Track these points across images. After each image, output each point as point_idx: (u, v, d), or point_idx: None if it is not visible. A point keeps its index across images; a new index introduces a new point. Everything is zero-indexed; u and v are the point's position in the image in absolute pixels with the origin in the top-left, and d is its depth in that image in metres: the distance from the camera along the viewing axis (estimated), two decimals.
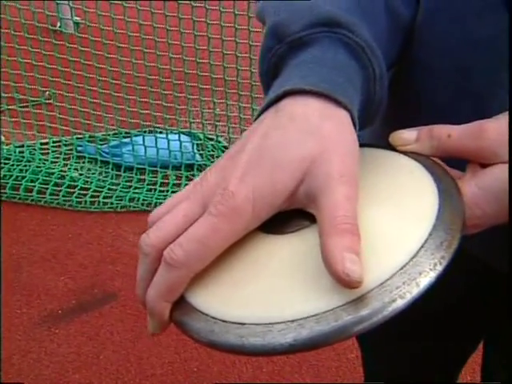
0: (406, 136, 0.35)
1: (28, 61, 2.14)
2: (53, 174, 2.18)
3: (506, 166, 0.32)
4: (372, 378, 0.85)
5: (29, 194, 2.08)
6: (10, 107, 2.29)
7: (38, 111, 2.26)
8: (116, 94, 2.18)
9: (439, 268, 0.28)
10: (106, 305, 1.70)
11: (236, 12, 1.96)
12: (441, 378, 0.77)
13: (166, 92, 2.16)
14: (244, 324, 0.29)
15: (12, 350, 1.54)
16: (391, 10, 0.40)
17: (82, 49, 2.11)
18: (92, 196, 2.11)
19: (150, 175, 2.25)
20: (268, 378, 1.51)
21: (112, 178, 2.22)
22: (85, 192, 2.12)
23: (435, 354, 0.68)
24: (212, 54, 2.04)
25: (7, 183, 2.10)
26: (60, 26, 2.52)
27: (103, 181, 2.20)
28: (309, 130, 0.30)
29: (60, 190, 2.10)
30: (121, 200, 2.10)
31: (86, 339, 1.59)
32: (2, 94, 2.26)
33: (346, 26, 0.35)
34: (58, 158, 2.29)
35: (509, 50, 0.37)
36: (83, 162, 2.30)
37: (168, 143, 2.21)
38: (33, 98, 2.25)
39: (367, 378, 0.86)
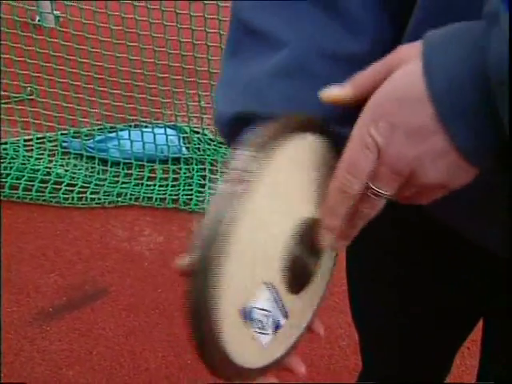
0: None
1: (7, 56, 2.11)
2: (38, 170, 2.16)
3: (409, 67, 0.33)
4: (369, 364, 0.87)
5: (14, 192, 2.06)
6: None
7: (21, 107, 2.23)
8: (100, 89, 2.16)
9: None
10: (97, 301, 1.69)
11: (220, 4, 1.95)
12: (437, 360, 0.78)
13: (150, 86, 2.14)
14: None
15: (4, 349, 1.53)
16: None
17: (64, 43, 2.09)
18: (79, 192, 2.09)
19: (137, 169, 2.24)
20: None
21: (99, 174, 2.20)
22: (71, 188, 2.11)
23: (432, 335, 0.69)
24: (196, 47, 2.03)
25: None
26: (39, 20, 2.48)
27: (90, 176, 2.18)
28: None
29: (46, 187, 2.08)
30: (108, 195, 2.09)
31: (78, 336, 1.58)
32: None
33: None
34: (42, 154, 2.27)
35: (508, 53, 0.39)
36: (69, 158, 2.27)
37: (154, 137, 2.20)
38: (14, 94, 2.22)
39: (365, 364, 0.87)
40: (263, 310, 0.39)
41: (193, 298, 0.34)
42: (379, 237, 0.59)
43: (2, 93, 2.20)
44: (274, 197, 0.37)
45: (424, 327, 0.68)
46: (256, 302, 0.38)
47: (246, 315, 0.38)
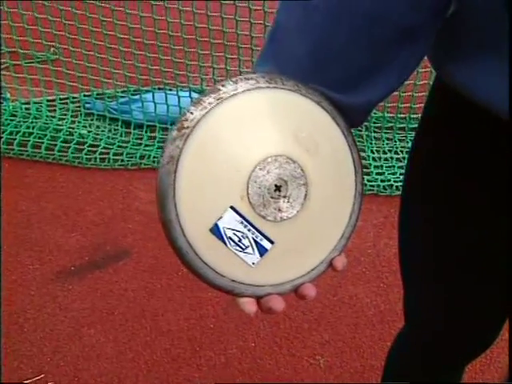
0: None
1: (29, 13, 2.06)
2: (61, 130, 2.13)
3: None
4: (413, 319, 0.82)
5: (37, 151, 2.03)
6: (14, 62, 2.23)
7: (44, 66, 2.19)
8: (124, 49, 2.11)
9: None
10: (119, 262, 1.67)
11: None
12: (483, 326, 0.73)
13: (175, 47, 2.09)
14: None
15: (26, 304, 1.51)
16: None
17: (86, 1, 2.03)
18: (102, 153, 2.06)
19: (161, 132, 2.20)
20: (285, 334, 1.49)
21: (122, 136, 2.17)
22: (94, 149, 2.08)
23: (487, 281, 0.64)
24: (223, 7, 1.96)
25: (14, 139, 2.05)
26: None
27: (113, 138, 2.15)
28: None
29: (69, 147, 2.06)
30: (131, 157, 2.05)
31: (100, 295, 1.57)
32: (5, 49, 2.18)
33: None
34: (65, 114, 2.24)
35: (509, 49, 0.38)
36: (91, 120, 2.24)
37: (178, 100, 2.15)
38: (37, 53, 2.18)
39: (407, 317, 0.82)
40: (232, 229, 0.44)
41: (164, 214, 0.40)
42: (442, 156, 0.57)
43: (25, 51, 2.16)
44: (234, 130, 0.42)
45: (478, 266, 0.63)
46: (221, 221, 0.43)
47: (215, 232, 0.43)
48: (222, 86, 0.41)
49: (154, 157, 2.06)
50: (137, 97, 2.21)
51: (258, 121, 0.43)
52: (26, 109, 2.22)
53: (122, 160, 2.04)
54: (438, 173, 0.60)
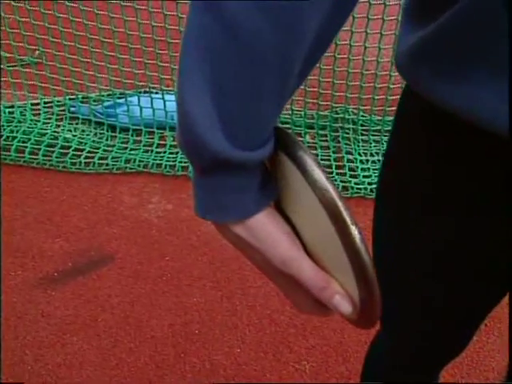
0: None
1: (11, 16, 2.04)
2: (45, 134, 2.11)
3: None
4: (388, 321, 0.81)
5: (20, 156, 2.01)
6: None
7: (28, 70, 2.17)
8: (108, 53, 2.09)
9: None
10: (103, 267, 1.65)
11: None
12: (460, 330, 0.72)
13: (160, 51, 2.07)
14: None
15: (8, 312, 1.49)
16: None
17: (70, 4, 2.01)
18: (87, 157, 2.04)
19: (147, 136, 2.18)
20: (271, 339, 1.48)
21: (107, 140, 2.15)
22: (79, 153, 2.05)
23: (464, 285, 0.63)
24: None
25: None
26: None
27: (98, 142, 2.13)
28: None
29: (53, 151, 2.03)
30: (116, 161, 2.04)
31: (84, 302, 1.55)
32: None
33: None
34: (50, 118, 2.22)
35: (509, 48, 0.37)
36: (76, 123, 2.22)
37: (164, 103, 2.14)
38: (21, 57, 2.16)
39: (383, 322, 0.81)
40: None
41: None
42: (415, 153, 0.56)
43: (8, 55, 2.13)
44: None
45: (456, 266, 0.62)
46: None
47: None
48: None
49: (140, 161, 2.05)
50: (122, 100, 2.20)
51: None
52: (10, 113, 2.19)
53: (107, 164, 2.02)
54: (414, 177, 0.59)
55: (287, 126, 2.25)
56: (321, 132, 2.24)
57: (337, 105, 2.18)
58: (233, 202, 0.41)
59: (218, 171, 0.39)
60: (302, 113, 2.22)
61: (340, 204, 0.38)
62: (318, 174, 0.38)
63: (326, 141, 2.23)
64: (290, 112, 2.23)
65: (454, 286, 0.65)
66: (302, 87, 2.12)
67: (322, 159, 2.14)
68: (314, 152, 2.19)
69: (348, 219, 0.38)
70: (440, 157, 0.55)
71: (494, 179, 0.52)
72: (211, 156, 0.37)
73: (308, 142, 2.24)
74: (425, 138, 0.56)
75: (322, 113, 2.22)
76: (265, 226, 0.41)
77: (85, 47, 2.08)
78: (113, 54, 2.08)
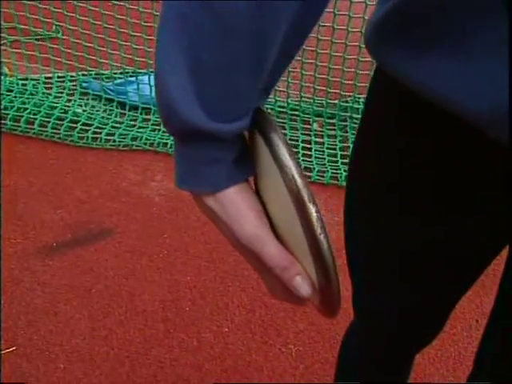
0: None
1: None
2: (55, 108, 2.13)
3: None
4: (362, 312, 0.81)
5: (30, 127, 2.04)
6: (13, 37, 2.23)
7: (41, 43, 2.19)
8: (121, 30, 2.11)
9: None
10: (102, 240, 1.68)
11: None
12: (436, 307, 0.72)
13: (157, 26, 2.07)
14: None
15: (5, 278, 1.53)
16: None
17: None
18: (94, 132, 2.07)
19: (156, 115, 2.20)
20: (260, 321, 1.49)
21: (116, 116, 2.17)
22: (87, 128, 2.08)
23: (436, 271, 0.63)
24: None
25: (8, 114, 2.06)
26: None
27: (107, 118, 2.15)
28: None
29: (62, 125, 2.06)
30: (124, 138, 2.06)
31: (80, 272, 1.58)
32: (3, 24, 2.19)
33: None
34: (61, 92, 2.24)
35: (509, 48, 0.36)
36: (87, 99, 2.24)
37: None
38: (36, 30, 2.18)
39: (357, 312, 0.82)
40: None
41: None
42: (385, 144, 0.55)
43: (22, 27, 2.16)
44: None
45: (428, 257, 0.61)
46: None
47: None
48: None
49: (146, 139, 2.07)
50: (133, 79, 2.21)
51: None
52: (23, 85, 2.23)
53: (114, 140, 2.04)
54: (381, 171, 0.58)
55: (296, 112, 2.25)
56: (329, 121, 2.23)
57: (346, 93, 2.17)
58: (206, 174, 0.41)
59: (192, 141, 0.40)
60: (311, 100, 2.21)
61: (299, 181, 0.38)
62: (283, 153, 0.39)
63: (334, 130, 2.22)
64: (299, 98, 2.22)
65: (422, 282, 0.65)
66: (312, 73, 2.11)
67: (328, 148, 2.13)
68: (321, 140, 2.18)
69: (306, 197, 0.38)
70: (406, 148, 0.54)
71: (463, 175, 0.51)
72: (184, 126, 0.38)
73: (315, 130, 2.24)
74: (392, 123, 0.55)
75: (331, 101, 2.20)
76: (234, 201, 0.42)
77: (98, 23, 2.09)
78: (126, 31, 2.09)
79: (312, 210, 0.37)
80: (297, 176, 0.38)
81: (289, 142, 2.16)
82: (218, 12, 0.35)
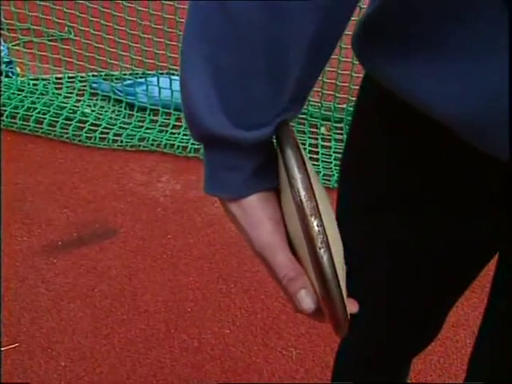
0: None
1: None
2: (64, 108, 2.15)
3: None
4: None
5: (39, 126, 2.06)
6: (25, 38, 2.26)
7: (53, 44, 2.22)
8: (131, 32, 2.12)
9: None
10: (106, 240, 1.69)
11: None
12: (429, 317, 0.72)
13: (182, 33, 2.09)
14: None
15: (9, 275, 1.54)
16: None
17: None
18: (102, 133, 2.08)
19: (163, 117, 2.21)
20: (262, 324, 1.49)
21: (124, 117, 2.19)
22: (95, 128, 2.10)
23: (428, 280, 0.63)
24: None
25: (18, 113, 2.08)
26: None
27: (115, 119, 2.17)
28: None
29: (70, 125, 2.08)
30: (131, 139, 2.07)
31: (84, 271, 1.59)
32: (18, 24, 2.22)
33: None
34: (71, 93, 2.27)
35: (509, 49, 0.36)
36: (96, 100, 2.26)
37: None
38: (48, 31, 2.21)
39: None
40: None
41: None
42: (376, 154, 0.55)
43: (35, 27, 2.18)
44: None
45: (419, 260, 0.61)
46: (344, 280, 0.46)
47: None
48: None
49: (153, 140, 2.08)
50: (142, 80, 2.23)
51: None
52: (34, 85, 2.25)
53: (121, 141, 2.06)
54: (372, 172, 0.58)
55: (303, 116, 2.25)
56: (336, 125, 2.23)
57: (354, 98, 2.16)
58: (226, 180, 0.42)
59: (214, 147, 0.41)
60: (319, 104, 2.21)
61: (303, 194, 0.38)
62: (292, 165, 0.39)
63: (341, 134, 2.22)
64: (307, 102, 2.22)
65: (413, 285, 0.64)
66: (320, 78, 2.11)
67: (335, 152, 2.13)
68: (328, 144, 2.18)
69: (307, 210, 0.37)
70: (392, 148, 0.54)
71: (446, 175, 0.51)
72: (205, 131, 0.39)
73: (323, 134, 2.24)
74: (380, 132, 0.55)
75: (338, 105, 2.20)
76: (254, 209, 0.42)
77: (109, 24, 2.11)
78: (136, 32, 2.11)
79: (313, 223, 0.37)
80: (301, 189, 0.38)
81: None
82: (232, 15, 0.36)
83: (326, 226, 0.39)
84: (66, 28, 2.32)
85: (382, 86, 0.47)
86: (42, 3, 2.12)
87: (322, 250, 0.37)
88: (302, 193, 0.37)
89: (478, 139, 0.41)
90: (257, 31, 0.36)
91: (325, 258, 0.37)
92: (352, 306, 0.45)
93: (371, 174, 0.58)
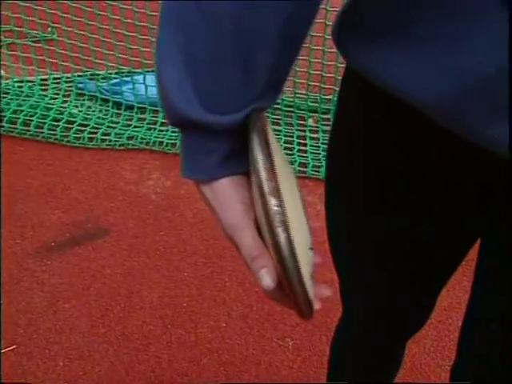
0: None
1: None
2: (51, 109, 2.15)
3: None
4: (350, 307, 0.83)
5: (26, 129, 2.06)
6: (8, 40, 2.24)
7: (38, 45, 2.21)
8: (116, 30, 2.12)
9: None
10: (99, 239, 1.69)
11: None
12: (423, 296, 0.73)
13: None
14: None
15: (4, 278, 1.55)
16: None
17: None
18: (90, 133, 2.08)
19: (151, 114, 2.21)
20: (257, 316, 1.51)
21: (112, 116, 2.19)
22: (83, 128, 2.10)
23: (419, 262, 0.64)
24: None
25: (4, 117, 2.07)
26: None
27: (103, 118, 2.17)
28: None
29: (58, 126, 2.08)
30: (120, 138, 2.07)
31: (78, 271, 1.59)
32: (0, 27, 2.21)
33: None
34: (57, 94, 2.26)
35: (509, 49, 0.36)
36: (83, 100, 2.26)
37: None
38: (32, 32, 2.20)
39: (345, 304, 0.84)
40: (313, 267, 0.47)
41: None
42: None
43: (18, 29, 2.17)
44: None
45: (410, 250, 0.63)
46: (311, 264, 0.46)
47: (311, 275, 0.45)
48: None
49: (142, 138, 2.08)
50: (128, 78, 2.23)
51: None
52: (19, 87, 2.24)
53: (110, 140, 2.06)
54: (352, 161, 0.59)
55: (290, 109, 2.26)
56: (323, 116, 2.24)
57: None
58: (200, 163, 0.43)
59: (189, 131, 0.42)
60: (306, 96, 2.22)
61: (263, 174, 0.38)
62: (255, 147, 0.40)
63: (329, 125, 2.23)
64: (293, 95, 2.23)
65: (403, 273, 0.66)
66: (305, 70, 2.12)
67: (323, 143, 2.15)
68: (316, 136, 2.20)
69: (266, 189, 0.38)
70: (373, 137, 0.55)
71: (429, 163, 0.52)
72: (180, 116, 0.41)
73: (311, 126, 2.25)
74: (361, 122, 0.56)
75: (325, 97, 2.22)
76: (224, 191, 0.44)
77: (93, 23, 2.11)
78: (120, 31, 2.11)
79: (271, 202, 0.38)
80: (262, 169, 0.38)
81: (283, 137, 2.18)
82: (204, 3, 0.37)
83: (289, 208, 0.39)
84: (49, 28, 2.31)
85: (362, 77, 0.48)
86: (25, 4, 2.11)
87: (280, 229, 0.37)
88: (262, 173, 0.38)
89: (455, 124, 0.42)
90: (227, 19, 0.37)
91: (281, 237, 0.37)
92: (323, 290, 0.46)
93: (355, 164, 0.59)
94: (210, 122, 0.41)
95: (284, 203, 0.38)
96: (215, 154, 0.43)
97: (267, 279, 0.40)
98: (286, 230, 0.38)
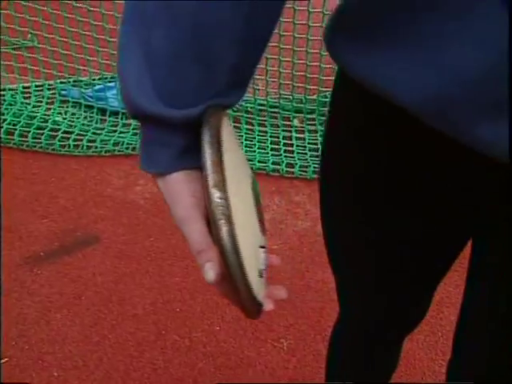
0: None
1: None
2: (35, 117, 2.13)
3: None
4: (346, 308, 0.84)
5: (10, 138, 2.03)
6: None
7: (19, 53, 2.19)
8: (98, 37, 2.11)
9: None
10: (89, 247, 1.68)
11: None
12: (418, 294, 0.74)
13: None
14: None
15: None
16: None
17: None
18: (76, 140, 2.06)
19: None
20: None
21: (97, 123, 2.17)
22: (68, 136, 2.08)
23: (414, 261, 0.65)
24: None
25: None
26: None
27: (87, 125, 2.15)
28: None
29: (42, 134, 2.06)
30: (105, 144, 2.06)
31: (69, 280, 1.58)
32: None
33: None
34: (40, 101, 2.24)
35: (509, 49, 0.36)
36: (67, 107, 2.24)
37: None
38: (11, 39, 2.18)
39: (342, 308, 0.84)
40: (265, 267, 0.48)
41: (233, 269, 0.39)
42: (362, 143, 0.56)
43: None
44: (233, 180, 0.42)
45: (405, 250, 0.63)
46: (262, 263, 0.46)
47: (261, 274, 0.45)
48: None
49: (128, 143, 2.07)
50: (112, 84, 2.22)
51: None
52: (1, 95, 2.21)
53: (96, 147, 2.04)
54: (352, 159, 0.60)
55: (275, 110, 2.27)
56: (309, 116, 2.25)
57: (324, 89, 2.19)
58: (156, 156, 0.44)
59: (147, 124, 0.42)
60: (291, 97, 2.23)
61: (209, 168, 0.38)
62: (204, 142, 0.40)
63: (314, 125, 2.24)
64: (279, 96, 2.24)
65: (399, 274, 0.66)
66: (289, 71, 2.13)
67: (309, 143, 2.16)
68: (302, 136, 2.21)
69: (210, 182, 0.38)
70: (366, 137, 0.56)
71: (422, 164, 0.53)
72: (137, 109, 0.41)
73: (296, 127, 2.26)
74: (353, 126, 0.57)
75: (310, 97, 2.23)
76: (176, 185, 0.44)
77: (75, 30, 2.09)
78: (102, 37, 2.10)
79: (215, 195, 0.37)
80: (208, 163, 0.39)
81: (269, 139, 2.18)
82: (167, 2, 0.38)
83: (236, 204, 0.39)
84: (29, 35, 2.29)
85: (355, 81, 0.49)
86: (4, 12, 2.08)
87: (222, 222, 0.37)
88: (209, 167, 0.38)
89: (444, 125, 0.42)
90: (187, 16, 0.38)
91: (223, 230, 0.37)
92: (278, 291, 0.46)
93: (352, 165, 0.59)
94: (165, 115, 0.41)
95: (229, 197, 0.38)
96: (170, 147, 0.43)
97: (210, 273, 0.41)
98: (229, 223, 0.37)
